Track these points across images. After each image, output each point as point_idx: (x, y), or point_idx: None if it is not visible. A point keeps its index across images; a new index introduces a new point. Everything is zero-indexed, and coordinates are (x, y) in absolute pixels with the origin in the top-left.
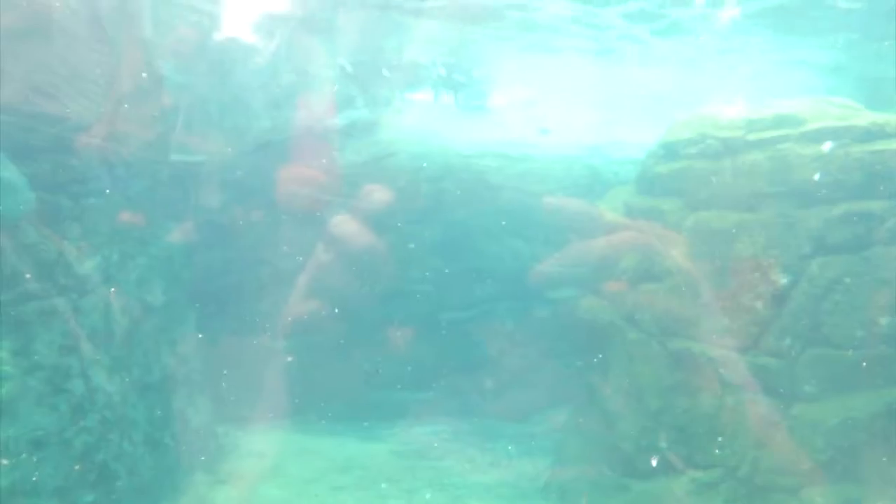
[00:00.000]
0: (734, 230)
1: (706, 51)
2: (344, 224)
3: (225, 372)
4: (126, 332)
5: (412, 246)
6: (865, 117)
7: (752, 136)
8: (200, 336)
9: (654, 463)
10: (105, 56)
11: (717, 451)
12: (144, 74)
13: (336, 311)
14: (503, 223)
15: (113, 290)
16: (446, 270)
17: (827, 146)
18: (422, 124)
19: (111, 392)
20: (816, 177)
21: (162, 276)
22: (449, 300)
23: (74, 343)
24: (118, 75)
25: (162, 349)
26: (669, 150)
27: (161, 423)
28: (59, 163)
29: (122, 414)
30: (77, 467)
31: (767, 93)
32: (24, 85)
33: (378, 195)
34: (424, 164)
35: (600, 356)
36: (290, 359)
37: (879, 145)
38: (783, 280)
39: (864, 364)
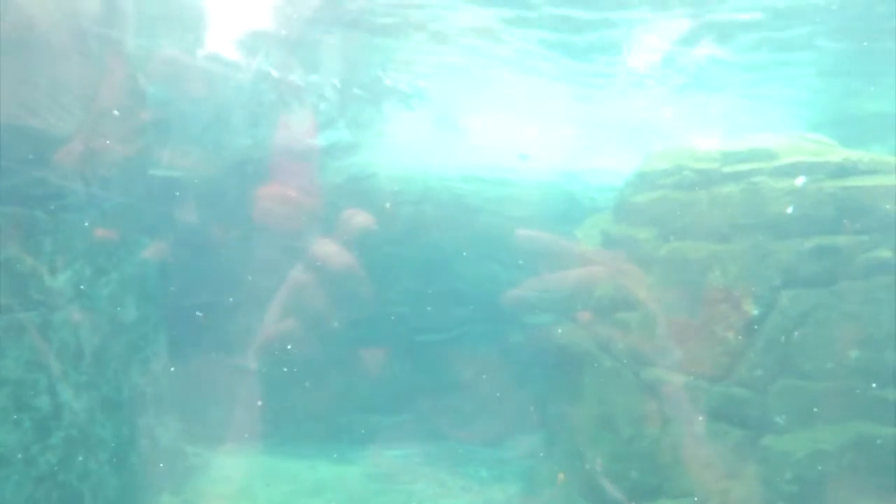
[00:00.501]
0: (707, 260)
1: (681, 87)
2: (321, 244)
3: (196, 391)
4: (96, 349)
5: (389, 268)
6: (839, 153)
7: (727, 169)
8: (172, 354)
9: (621, 493)
10: (87, 70)
11: (687, 480)
12: (126, 89)
13: (310, 332)
14: (480, 247)
15: (84, 305)
16: (423, 293)
17: (800, 180)
18: (402, 146)
19: (78, 410)
20: (789, 210)
21: (135, 293)
22: (424, 322)
23: (43, 359)
24: (99, 90)
25: (132, 367)
26: (646, 180)
27: (128, 442)
28: (36, 177)
29: (89, 432)
30: (40, 487)
31: (744, 126)
32: (5, 98)
33: (357, 218)
34: (403, 187)
35: (574, 383)
36: (262, 379)
37: (852, 181)
38: (754, 311)
39: (834, 396)
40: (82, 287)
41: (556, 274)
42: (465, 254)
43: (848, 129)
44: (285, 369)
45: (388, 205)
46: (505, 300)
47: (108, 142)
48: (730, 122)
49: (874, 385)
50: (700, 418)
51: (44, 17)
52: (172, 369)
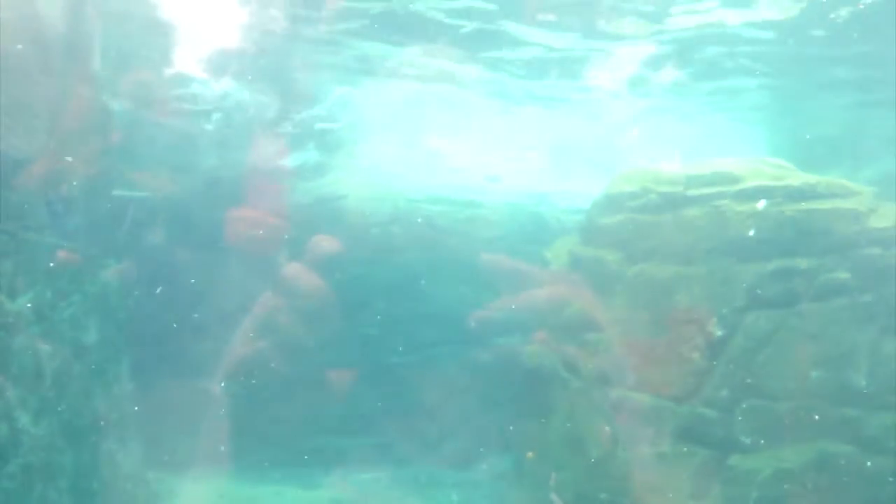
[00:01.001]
0: (673, 282)
1: (645, 109)
2: (290, 266)
3: (160, 415)
4: (56, 373)
5: (358, 289)
6: (798, 178)
7: (691, 192)
8: (135, 377)
9: None
10: (51, 89)
11: (655, 501)
12: (90, 109)
13: (278, 354)
14: (450, 268)
15: (45, 329)
16: (392, 314)
17: (761, 204)
18: (372, 167)
19: (38, 436)
20: (751, 233)
21: (97, 315)
22: (393, 344)
23: (1, 384)
24: (64, 109)
25: (94, 391)
26: (612, 203)
27: (89, 469)
28: None
29: (49, 459)
30: None
31: (707, 149)
32: None
33: (326, 240)
34: (372, 208)
35: (542, 404)
36: (228, 403)
37: (811, 205)
38: (719, 332)
39: (797, 416)
40: (43, 310)
41: (524, 295)
42: (434, 275)
43: (805, 152)
44: (252, 392)
45: (356, 226)
46: (473, 321)
47: (71, 162)
48: (693, 144)
49: (834, 405)
50: (667, 438)
51: (6, 39)
52: (135, 393)
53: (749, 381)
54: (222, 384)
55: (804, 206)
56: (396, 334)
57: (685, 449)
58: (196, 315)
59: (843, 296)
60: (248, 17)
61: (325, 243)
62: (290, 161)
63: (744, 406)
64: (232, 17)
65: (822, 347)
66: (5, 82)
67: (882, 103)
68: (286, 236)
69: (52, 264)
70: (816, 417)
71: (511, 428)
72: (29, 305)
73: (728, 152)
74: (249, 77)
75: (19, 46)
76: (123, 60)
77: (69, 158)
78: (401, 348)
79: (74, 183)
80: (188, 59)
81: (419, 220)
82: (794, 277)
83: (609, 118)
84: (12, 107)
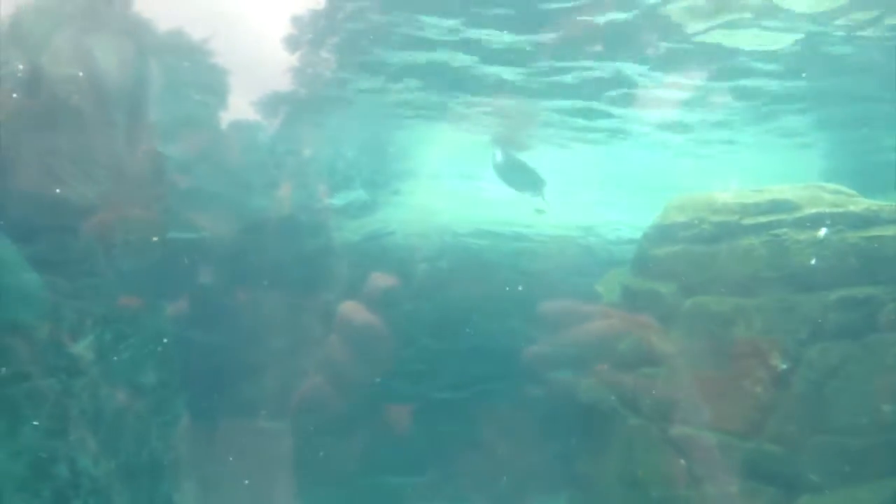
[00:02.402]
0: (731, 314)
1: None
2: (342, 305)
3: (215, 456)
4: (115, 415)
5: (408, 325)
6: (859, 204)
7: (746, 221)
8: (192, 418)
9: None
10: (111, 138)
11: None
12: (148, 157)
13: (330, 392)
14: (498, 302)
15: (104, 371)
16: (441, 350)
17: (822, 232)
18: (419, 203)
19: (97, 477)
20: (813, 262)
21: (154, 357)
22: (444, 380)
23: (62, 426)
24: (122, 157)
25: (151, 432)
26: (665, 233)
27: None
28: (59, 243)
29: (107, 500)
30: None
31: (761, 176)
32: (37, 169)
33: (375, 279)
34: (420, 244)
35: (599, 441)
36: (282, 442)
37: (874, 231)
38: (783, 365)
39: (870, 452)
40: (103, 352)
41: (576, 328)
42: (482, 309)
43: (866, 177)
44: (305, 431)
45: (405, 262)
46: (525, 356)
47: (130, 208)
48: (746, 171)
49: None
50: (732, 477)
51: (73, 93)
52: (191, 434)
53: (817, 415)
54: (276, 424)
55: (867, 233)
56: (446, 370)
57: (751, 487)
58: (249, 354)
59: None
60: (298, 61)
61: (379, 280)
62: (337, 199)
63: (813, 442)
64: (283, 61)
65: (893, 379)
66: (74, 135)
67: None
68: (337, 274)
69: (110, 308)
70: (891, 453)
71: (567, 465)
72: (89, 348)
73: (784, 177)
74: (299, 119)
75: (76, 98)
76: (178, 104)
77: (128, 205)
78: (451, 384)
79: (132, 228)
80: (241, 103)
81: (466, 254)
82: (859, 307)
83: (659, 148)
84: (74, 156)
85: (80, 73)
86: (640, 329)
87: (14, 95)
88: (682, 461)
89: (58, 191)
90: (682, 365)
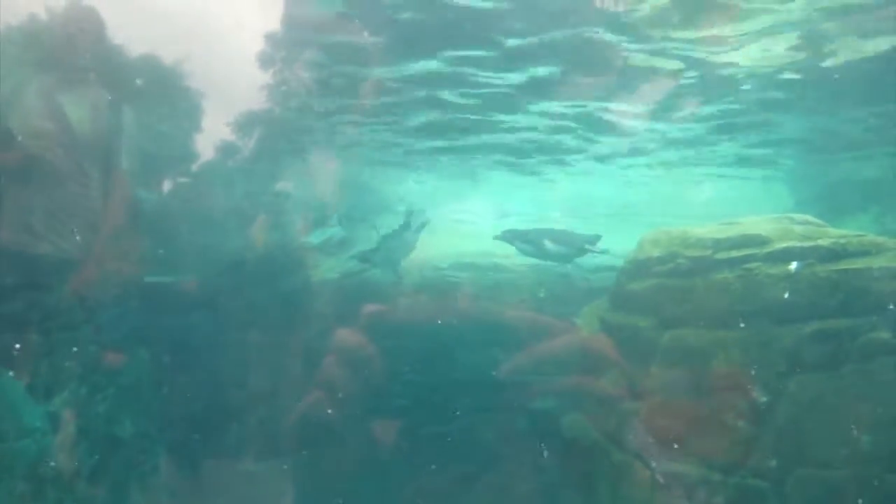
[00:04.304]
0: (710, 347)
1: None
2: (321, 343)
3: (196, 501)
4: (93, 470)
5: (390, 360)
6: (828, 236)
7: (720, 255)
8: (171, 466)
9: None
10: (86, 191)
11: None
12: (123, 209)
13: (311, 430)
14: (479, 334)
15: (80, 426)
16: (424, 384)
17: (793, 266)
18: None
19: None
20: (786, 295)
21: (131, 407)
22: (427, 413)
23: (38, 487)
24: (96, 209)
25: (130, 484)
26: (641, 268)
27: None
28: (33, 300)
29: None
30: None
31: (730, 204)
32: (15, 226)
33: (356, 316)
34: (399, 279)
35: (584, 475)
36: (263, 483)
37: (843, 265)
38: (763, 398)
39: (852, 483)
40: (78, 407)
41: (557, 360)
42: (465, 341)
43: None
44: (286, 471)
45: (384, 297)
46: (508, 387)
47: (107, 259)
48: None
49: (890, 470)
50: None
51: (45, 151)
52: (170, 481)
53: (799, 448)
54: (258, 466)
55: (837, 266)
56: (430, 403)
57: None
58: (230, 397)
59: (888, 355)
60: (271, 103)
61: (360, 317)
62: (313, 237)
63: (796, 476)
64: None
65: (871, 410)
66: (40, 188)
67: None
68: (315, 312)
69: (86, 360)
70: (872, 484)
71: (553, 498)
72: (64, 404)
73: (752, 203)
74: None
75: (49, 153)
76: (151, 147)
77: (105, 256)
78: (435, 418)
79: (107, 279)
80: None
81: (447, 287)
82: (834, 339)
83: (627, 176)
84: (46, 211)
85: (52, 127)
86: (619, 363)
87: None
88: (668, 497)
89: (34, 247)
90: (663, 399)
